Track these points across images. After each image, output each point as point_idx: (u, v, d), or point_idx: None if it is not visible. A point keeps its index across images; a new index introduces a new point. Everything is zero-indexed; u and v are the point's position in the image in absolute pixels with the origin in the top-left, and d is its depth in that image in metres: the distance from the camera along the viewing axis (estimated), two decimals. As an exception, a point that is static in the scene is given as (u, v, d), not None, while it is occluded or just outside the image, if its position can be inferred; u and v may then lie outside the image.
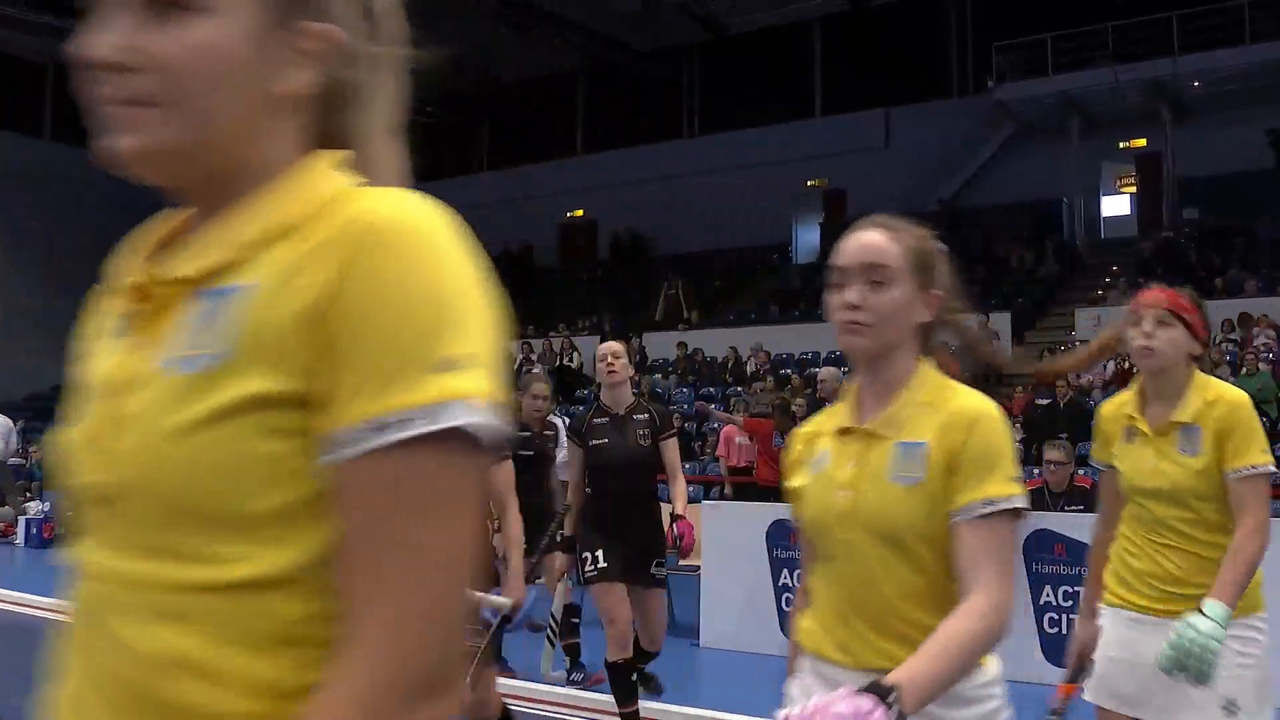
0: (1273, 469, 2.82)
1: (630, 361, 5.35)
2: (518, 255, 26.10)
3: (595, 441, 5.18)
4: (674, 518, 5.24)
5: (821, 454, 1.93)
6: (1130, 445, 2.97)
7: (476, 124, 29.01)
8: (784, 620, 6.53)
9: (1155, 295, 2.93)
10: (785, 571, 7.14)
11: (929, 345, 1.92)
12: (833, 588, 1.87)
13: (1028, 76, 20.41)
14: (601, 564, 5.09)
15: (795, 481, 1.99)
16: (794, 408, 12.31)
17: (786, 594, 7.06)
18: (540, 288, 24.54)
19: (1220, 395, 2.85)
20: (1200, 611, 2.65)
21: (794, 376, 15.86)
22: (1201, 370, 2.94)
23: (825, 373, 10.49)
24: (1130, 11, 19.13)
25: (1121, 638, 2.95)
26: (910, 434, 1.81)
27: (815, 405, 9.75)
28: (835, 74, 24.18)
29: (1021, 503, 1.74)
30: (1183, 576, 2.84)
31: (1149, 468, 2.90)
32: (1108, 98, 19.99)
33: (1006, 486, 1.73)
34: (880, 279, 1.82)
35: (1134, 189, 22.01)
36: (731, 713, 5.65)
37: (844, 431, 1.90)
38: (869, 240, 1.86)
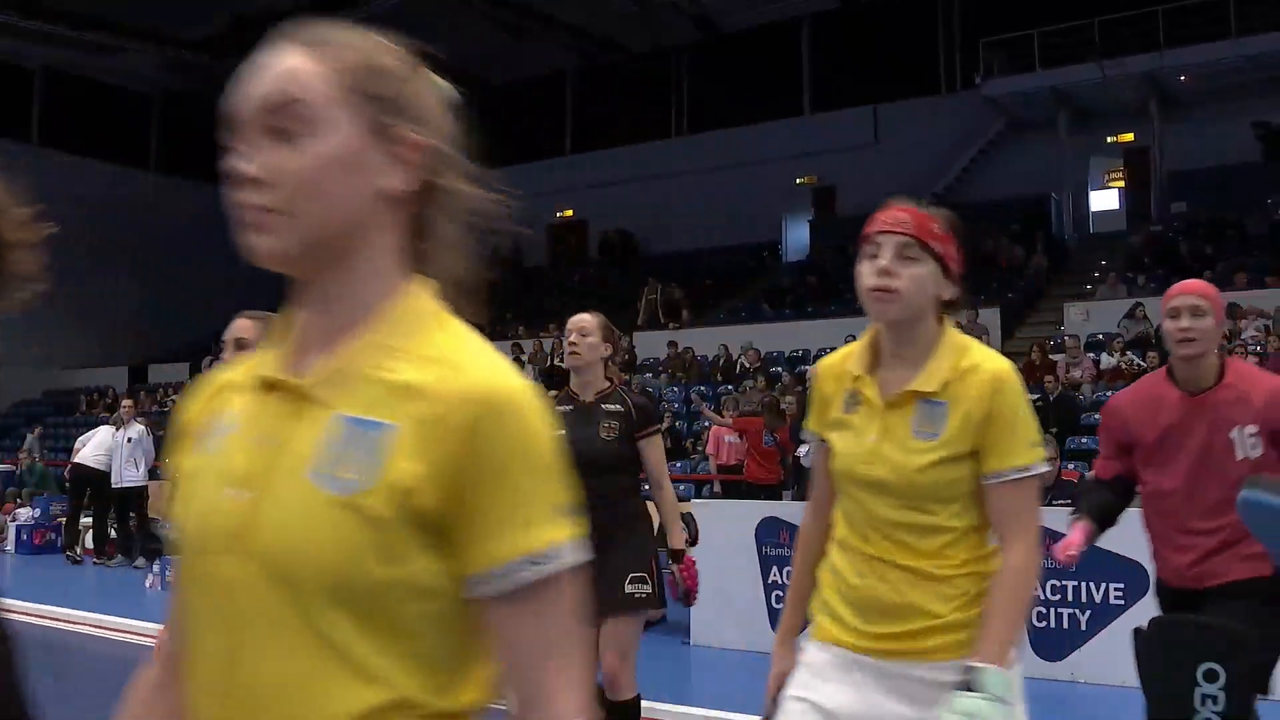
0: (1044, 468, 2.10)
1: (603, 339, 4.22)
2: (507, 255, 26.10)
3: None
4: (671, 555, 4.21)
5: (226, 419, 1.10)
6: (849, 416, 2.15)
7: (465, 124, 28.96)
8: (774, 617, 6.54)
9: (897, 215, 2.08)
10: (775, 569, 7.16)
11: (422, 246, 1.11)
12: (204, 659, 1.04)
13: (1016, 72, 20.47)
14: None
15: (181, 463, 1.14)
16: (784, 406, 12.37)
17: (776, 591, 7.08)
18: (530, 288, 24.54)
19: (978, 364, 2.06)
20: (965, 684, 1.92)
21: (785, 374, 15.90)
22: (960, 326, 2.18)
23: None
24: (1117, 6, 19.18)
25: (820, 681, 2.12)
26: (364, 404, 1.01)
27: (806, 403, 9.72)
28: (824, 71, 24.22)
29: (578, 546, 1.02)
30: (902, 602, 2.05)
31: (867, 449, 2.09)
32: (1096, 92, 20.05)
33: (561, 519, 1.01)
34: (292, 126, 1.03)
35: (1122, 183, 22.08)
36: (722, 710, 5.67)
37: (267, 386, 1.07)
38: (275, 68, 1.05)
